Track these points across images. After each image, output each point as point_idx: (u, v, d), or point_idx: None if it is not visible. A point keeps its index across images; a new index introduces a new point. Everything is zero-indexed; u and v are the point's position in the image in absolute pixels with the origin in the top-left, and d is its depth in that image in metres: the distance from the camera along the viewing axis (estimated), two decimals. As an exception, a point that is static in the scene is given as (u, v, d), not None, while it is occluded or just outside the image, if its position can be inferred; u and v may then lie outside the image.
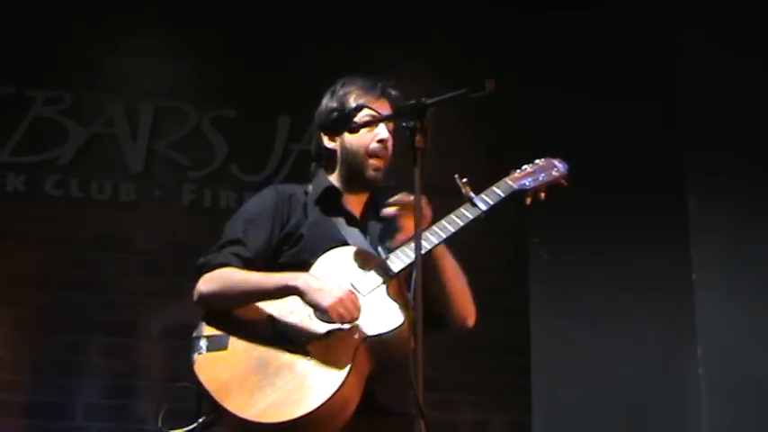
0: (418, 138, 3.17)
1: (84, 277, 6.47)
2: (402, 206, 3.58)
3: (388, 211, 3.60)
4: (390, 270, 3.53)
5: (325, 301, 3.40)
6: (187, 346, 6.51)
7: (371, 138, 3.71)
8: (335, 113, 3.56)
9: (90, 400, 6.36)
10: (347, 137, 3.70)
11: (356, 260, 3.59)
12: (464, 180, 3.58)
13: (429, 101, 3.22)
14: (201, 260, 3.67)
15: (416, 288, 3.11)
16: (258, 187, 6.67)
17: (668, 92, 6.85)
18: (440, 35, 7.16)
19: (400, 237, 3.59)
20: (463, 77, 3.26)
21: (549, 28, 7.13)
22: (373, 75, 3.84)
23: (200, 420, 3.46)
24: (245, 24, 6.96)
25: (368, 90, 3.75)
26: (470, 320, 3.73)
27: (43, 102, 6.66)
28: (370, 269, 3.56)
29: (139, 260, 6.56)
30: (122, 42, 6.83)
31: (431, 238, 3.52)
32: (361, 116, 3.63)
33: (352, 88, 3.77)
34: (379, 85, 3.78)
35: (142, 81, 6.84)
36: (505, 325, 6.67)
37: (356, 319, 3.40)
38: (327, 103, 3.81)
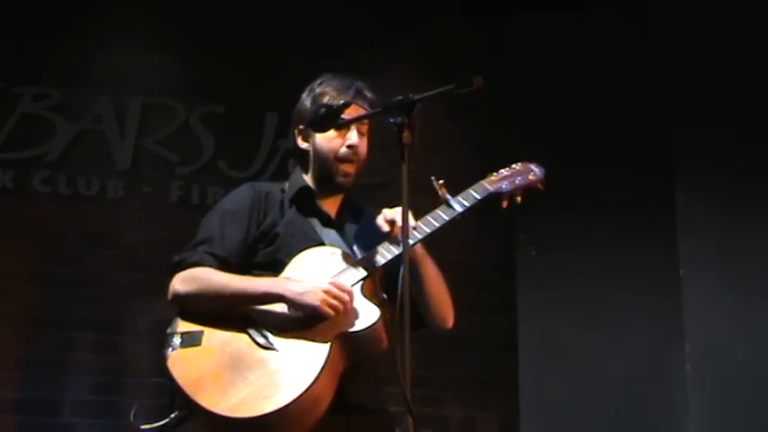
0: (406, 134, 3.18)
1: (72, 273, 6.46)
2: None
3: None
4: (371, 266, 3.54)
5: (313, 300, 3.41)
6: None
7: (341, 143, 3.71)
8: (323, 110, 3.56)
9: (78, 396, 6.35)
10: (318, 139, 3.73)
11: (331, 259, 3.60)
12: (440, 182, 3.61)
13: (417, 96, 3.22)
14: (176, 257, 3.67)
15: (404, 286, 3.10)
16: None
17: (657, 90, 6.86)
18: (427, 34, 7.15)
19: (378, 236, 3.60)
20: (451, 76, 3.27)
21: (538, 28, 7.13)
22: (353, 74, 3.84)
23: (173, 415, 3.46)
24: (234, 21, 6.96)
25: (342, 91, 3.74)
26: (449, 322, 3.75)
27: (31, 98, 6.65)
28: (345, 268, 3.56)
29: (127, 256, 6.56)
30: (111, 39, 6.82)
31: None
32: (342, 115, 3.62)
33: (328, 89, 3.77)
34: (354, 86, 3.77)
35: (130, 77, 6.84)
36: (494, 322, 6.69)
37: (347, 304, 3.40)
38: (304, 100, 3.83)
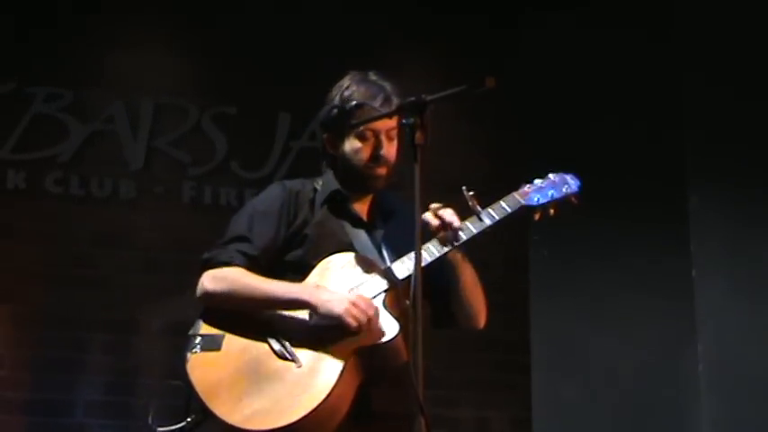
0: (418, 134, 3.18)
1: (85, 274, 6.47)
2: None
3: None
4: (395, 277, 3.54)
5: (338, 310, 3.40)
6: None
7: (369, 154, 3.69)
8: (335, 110, 3.56)
9: (90, 397, 6.36)
10: (346, 146, 3.71)
11: (358, 266, 3.60)
12: (471, 193, 3.58)
13: (429, 97, 3.22)
14: (206, 255, 3.66)
15: (416, 289, 3.11)
16: (258, 184, 6.73)
17: (670, 91, 6.85)
18: (441, 35, 7.15)
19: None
20: (463, 76, 3.27)
21: (551, 30, 7.12)
22: (380, 75, 3.82)
23: (189, 419, 3.46)
24: (246, 22, 6.96)
25: (371, 97, 3.72)
26: (481, 323, 3.78)
27: (44, 99, 6.66)
28: (372, 276, 3.56)
29: (140, 257, 6.56)
30: (123, 39, 6.82)
31: (431, 250, 3.54)
32: (357, 131, 3.66)
33: (356, 93, 3.74)
34: (383, 93, 3.74)
35: (143, 78, 6.84)
36: (506, 322, 6.67)
37: (371, 319, 3.40)
38: (330, 105, 3.79)
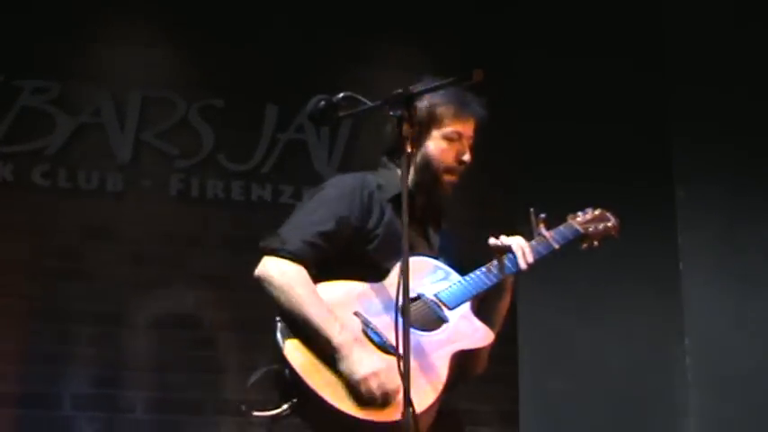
0: (405, 126, 3.19)
1: (72, 267, 6.46)
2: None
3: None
4: (478, 286, 3.68)
5: (359, 373, 3.35)
6: (173, 336, 6.53)
7: (453, 156, 3.75)
8: (323, 102, 3.56)
9: (78, 390, 6.34)
10: (431, 147, 3.75)
11: (438, 271, 3.70)
12: (542, 216, 3.84)
13: (417, 89, 3.23)
14: (274, 242, 3.59)
15: (404, 286, 3.11)
16: (246, 177, 6.74)
17: (657, 84, 6.87)
18: (430, 25, 7.14)
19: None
20: (455, 68, 3.28)
21: (539, 17, 7.13)
22: (467, 92, 3.82)
23: (286, 405, 3.38)
24: (233, 13, 6.94)
25: (462, 107, 3.77)
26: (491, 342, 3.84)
27: (31, 91, 6.63)
28: (453, 282, 3.67)
29: (127, 250, 6.55)
30: (110, 32, 6.80)
31: (507, 265, 3.77)
32: (445, 132, 3.73)
33: (446, 101, 3.76)
34: (473, 104, 3.79)
35: (130, 71, 6.82)
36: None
37: (387, 393, 3.34)
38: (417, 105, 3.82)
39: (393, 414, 3.27)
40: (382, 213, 3.72)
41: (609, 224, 4.05)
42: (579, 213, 4.03)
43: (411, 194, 3.61)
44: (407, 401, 3.04)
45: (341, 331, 3.42)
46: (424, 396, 3.36)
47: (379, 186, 3.78)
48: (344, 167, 6.73)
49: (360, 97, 3.63)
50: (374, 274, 3.61)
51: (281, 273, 3.52)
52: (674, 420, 6.60)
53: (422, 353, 3.45)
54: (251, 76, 6.83)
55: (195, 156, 6.81)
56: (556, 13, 7.05)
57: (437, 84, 3.31)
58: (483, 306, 3.79)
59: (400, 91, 3.24)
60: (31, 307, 6.38)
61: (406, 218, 3.18)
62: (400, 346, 3.09)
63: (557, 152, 6.70)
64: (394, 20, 7.07)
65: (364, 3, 7.02)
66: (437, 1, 7.17)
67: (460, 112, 3.76)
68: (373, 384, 3.33)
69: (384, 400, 3.33)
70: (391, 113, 3.22)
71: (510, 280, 3.80)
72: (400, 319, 3.18)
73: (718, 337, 6.48)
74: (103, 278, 6.48)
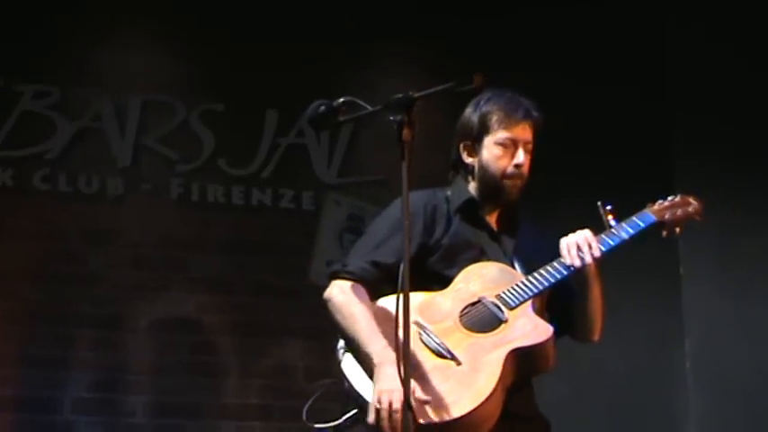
0: (405, 131, 3.20)
1: (72, 271, 6.46)
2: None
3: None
4: (541, 284, 3.66)
5: (377, 387, 3.40)
6: (174, 340, 6.54)
7: (508, 162, 3.78)
8: (323, 107, 3.57)
9: (78, 393, 6.35)
10: (486, 156, 3.79)
11: (502, 274, 3.70)
12: (608, 208, 3.87)
13: (417, 94, 3.24)
14: (339, 267, 3.72)
15: (404, 281, 3.15)
16: (246, 181, 6.74)
17: (657, 84, 6.87)
18: (430, 29, 7.14)
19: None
20: (453, 71, 3.28)
21: (537, 23, 7.12)
22: (516, 93, 3.88)
23: (347, 416, 3.49)
24: (234, 18, 6.95)
25: (511, 112, 3.80)
26: (596, 337, 3.92)
27: (31, 96, 6.63)
28: (515, 283, 3.66)
29: (127, 254, 6.56)
30: (111, 37, 6.81)
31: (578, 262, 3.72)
32: (497, 139, 3.75)
33: (495, 108, 3.80)
34: (523, 107, 3.82)
35: (130, 75, 6.82)
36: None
37: (391, 416, 3.36)
38: (470, 115, 3.85)
39: (446, 414, 3.36)
40: (449, 224, 3.78)
41: (689, 209, 3.97)
42: (659, 201, 3.98)
43: (477, 203, 3.83)
44: (407, 403, 3.10)
45: (383, 348, 3.48)
46: (474, 396, 3.39)
47: (447, 199, 3.84)
48: (344, 172, 6.75)
49: (360, 102, 3.63)
50: (440, 282, 3.68)
51: (339, 293, 3.64)
52: (674, 424, 6.60)
53: (476, 354, 3.49)
54: (251, 80, 6.83)
55: (195, 160, 6.81)
56: (553, 40, 7.02)
57: (437, 88, 3.31)
58: (573, 306, 3.82)
59: (400, 96, 3.25)
60: (31, 311, 6.39)
61: (406, 219, 3.24)
62: (452, 350, 3.35)
63: (553, 154, 6.67)
64: (394, 25, 7.07)
65: (364, 8, 7.01)
66: (438, 7, 7.15)
67: (509, 117, 3.78)
68: (383, 399, 3.37)
69: (389, 416, 3.35)
70: (391, 118, 3.23)
71: (592, 271, 3.77)
72: (459, 324, 3.45)
73: (719, 341, 6.48)
74: (104, 282, 6.49)
